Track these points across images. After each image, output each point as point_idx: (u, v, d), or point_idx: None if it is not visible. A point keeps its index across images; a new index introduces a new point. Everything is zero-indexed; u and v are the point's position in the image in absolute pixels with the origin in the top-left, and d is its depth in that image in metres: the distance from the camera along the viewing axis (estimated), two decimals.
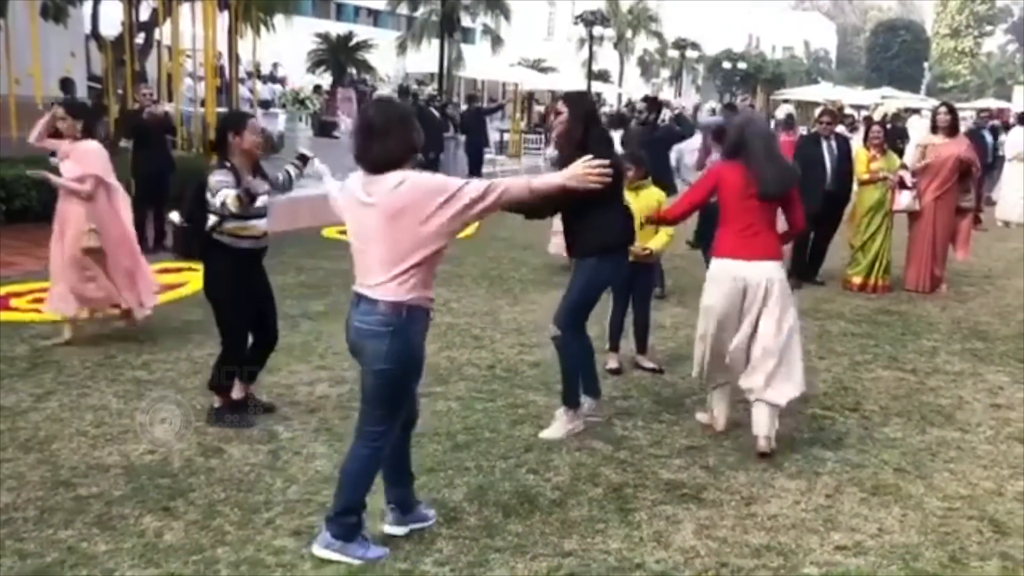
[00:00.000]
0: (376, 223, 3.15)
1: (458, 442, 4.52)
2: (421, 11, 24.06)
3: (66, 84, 12.71)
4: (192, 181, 4.58)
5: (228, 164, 4.46)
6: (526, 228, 9.42)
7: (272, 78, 23.31)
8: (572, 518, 3.74)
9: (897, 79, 56.61)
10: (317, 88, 21.17)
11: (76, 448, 4.34)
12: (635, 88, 38.98)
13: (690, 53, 35.25)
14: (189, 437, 4.49)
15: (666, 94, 41.08)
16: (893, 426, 4.93)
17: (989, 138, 15.19)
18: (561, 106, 4.80)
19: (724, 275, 4.46)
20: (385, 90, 30.21)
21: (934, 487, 4.13)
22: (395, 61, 29.23)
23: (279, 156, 17.11)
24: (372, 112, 3.33)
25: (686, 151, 9.56)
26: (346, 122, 19.10)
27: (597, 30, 32.86)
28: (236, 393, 4.77)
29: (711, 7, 48.04)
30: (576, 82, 35.07)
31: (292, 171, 4.92)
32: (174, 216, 4.61)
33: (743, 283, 4.39)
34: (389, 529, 3.56)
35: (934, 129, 8.96)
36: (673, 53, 34.95)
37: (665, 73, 41.45)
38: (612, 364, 5.81)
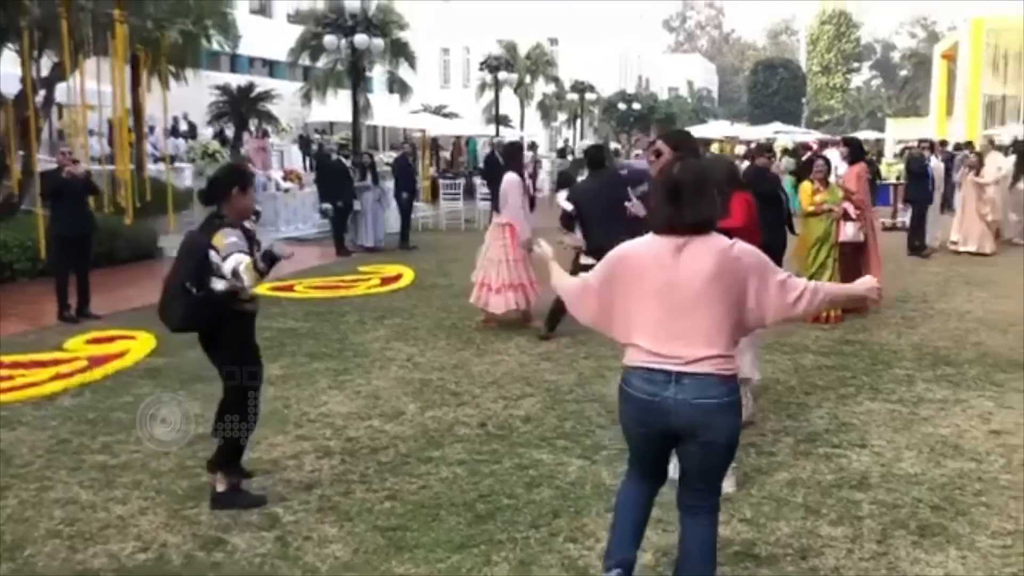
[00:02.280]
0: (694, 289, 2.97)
1: (479, 512, 4.19)
2: (324, 61, 23.67)
3: None
4: (192, 241, 4.13)
5: (235, 223, 4.07)
6: (465, 274, 9.17)
7: (175, 131, 22.45)
8: None
9: (778, 114, 59.10)
10: (224, 140, 20.46)
11: (53, 552, 3.83)
12: (536, 132, 39.44)
13: (589, 96, 35.90)
14: (182, 529, 4.03)
15: (566, 135, 41.80)
16: (907, 460, 4.86)
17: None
18: (662, 146, 4.70)
19: None
20: (286, 140, 29.71)
21: (976, 523, 4.05)
22: (299, 111, 28.62)
23: (188, 212, 16.59)
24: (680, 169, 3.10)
25: None
26: (259, 175, 18.43)
27: (499, 75, 33.18)
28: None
29: (602, 52, 49.29)
30: (479, 127, 35.29)
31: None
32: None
33: None
34: None
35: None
36: (573, 96, 35.52)
37: (563, 116, 42.06)
38: None
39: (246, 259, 3.91)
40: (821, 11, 79.11)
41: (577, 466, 4.79)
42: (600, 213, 7.85)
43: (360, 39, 17.37)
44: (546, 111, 39.80)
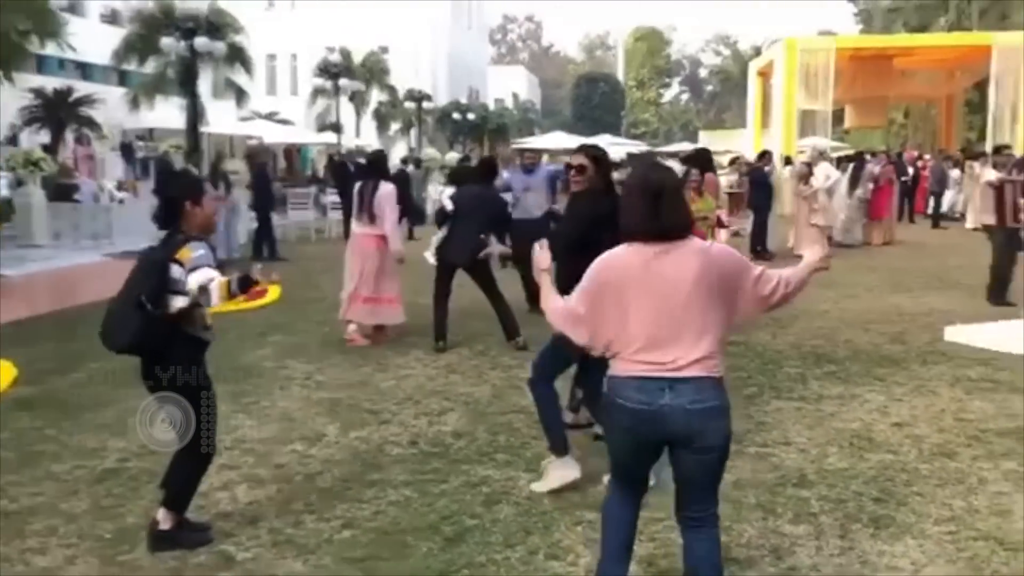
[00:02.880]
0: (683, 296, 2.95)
1: (447, 535, 4.03)
2: (153, 65, 22.33)
3: None
4: (150, 258, 3.75)
5: (198, 237, 3.72)
6: (337, 286, 8.84)
7: None
8: None
9: (600, 126, 61.23)
10: (47, 147, 18.89)
11: None
12: (371, 140, 38.92)
13: (427, 104, 35.81)
14: None
15: (399, 146, 41.49)
16: (833, 456, 5.10)
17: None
18: (586, 160, 4.71)
19: None
20: (104, 147, 27.84)
21: (918, 512, 4.29)
22: (119, 117, 26.88)
23: (11, 225, 15.21)
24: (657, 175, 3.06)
25: None
26: (89, 184, 17.14)
27: (322, 83, 32.49)
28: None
29: (433, 61, 49.34)
30: (311, 135, 34.47)
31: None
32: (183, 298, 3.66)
33: None
34: None
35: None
36: (410, 105, 35.31)
37: (396, 125, 41.74)
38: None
39: (218, 276, 3.58)
40: (634, 28, 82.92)
41: (526, 480, 4.71)
42: (469, 226, 7.85)
43: (201, 42, 16.53)
44: (382, 120, 39.35)
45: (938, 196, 19.68)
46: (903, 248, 15.87)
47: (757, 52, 72.75)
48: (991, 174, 10.98)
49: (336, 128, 27.55)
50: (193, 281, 3.58)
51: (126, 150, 29.28)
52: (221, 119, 27.18)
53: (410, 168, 19.75)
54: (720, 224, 9.27)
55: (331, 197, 18.73)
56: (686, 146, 48.59)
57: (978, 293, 10.30)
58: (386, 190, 8.13)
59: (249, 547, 3.93)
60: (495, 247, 7.39)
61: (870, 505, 4.37)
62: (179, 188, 3.89)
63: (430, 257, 7.93)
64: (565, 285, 4.51)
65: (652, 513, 4.24)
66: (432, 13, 48.95)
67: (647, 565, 3.75)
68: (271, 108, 36.42)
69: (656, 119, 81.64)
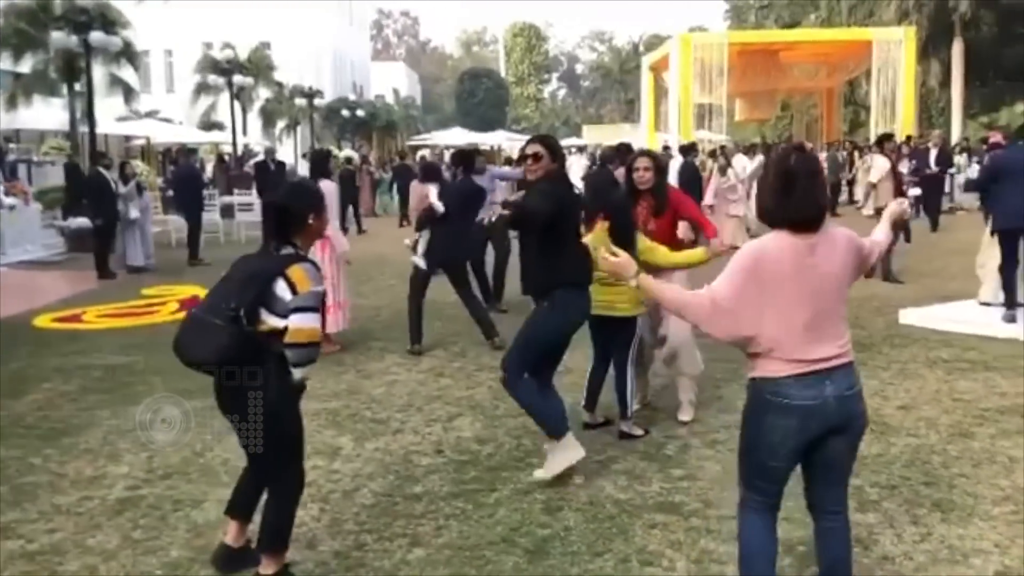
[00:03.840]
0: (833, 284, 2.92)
1: (525, 547, 3.86)
2: (31, 61, 20.86)
3: None
4: (256, 266, 3.37)
5: (309, 259, 3.41)
6: None
7: None
8: None
9: (485, 122, 61.29)
10: None
11: None
12: (256, 138, 37.67)
13: (317, 101, 34.82)
14: None
15: (285, 144, 40.30)
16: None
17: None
18: (541, 149, 4.62)
19: None
20: None
21: (972, 494, 4.39)
22: (7, 118, 24.95)
23: None
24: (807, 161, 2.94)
25: None
26: None
27: (214, 79, 31.24)
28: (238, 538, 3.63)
29: (318, 58, 48.15)
30: (198, 134, 33.05)
31: None
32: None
33: None
34: None
35: None
36: (300, 101, 34.27)
37: (282, 123, 40.53)
38: (586, 419, 5.48)
39: (318, 328, 3.30)
40: (513, 24, 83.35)
41: (576, 484, 4.57)
42: (458, 224, 7.70)
43: (97, 36, 15.50)
44: (268, 117, 38.13)
45: (835, 186, 20.52)
46: None
47: (635, 48, 74.83)
48: (881, 163, 11.58)
49: (223, 127, 26.37)
50: (299, 322, 3.23)
51: None
52: (102, 119, 25.69)
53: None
54: None
55: (240, 198, 18.00)
56: (574, 141, 49.35)
57: (902, 276, 10.83)
58: (327, 188, 7.81)
59: (323, 574, 3.65)
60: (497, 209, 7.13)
61: (924, 489, 4.43)
62: (307, 198, 3.50)
63: (419, 261, 7.63)
64: (535, 271, 4.57)
65: (723, 511, 4.20)
66: (312, 8, 47.75)
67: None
68: (148, 107, 34.74)
69: (537, 114, 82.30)
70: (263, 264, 3.35)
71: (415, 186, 8.69)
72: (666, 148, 21.09)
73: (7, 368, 7.28)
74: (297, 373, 3.33)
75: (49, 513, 4.29)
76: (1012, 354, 7.13)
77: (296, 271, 3.26)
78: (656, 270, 5.45)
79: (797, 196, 2.86)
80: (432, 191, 7.67)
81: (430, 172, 8.36)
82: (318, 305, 3.31)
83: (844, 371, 2.91)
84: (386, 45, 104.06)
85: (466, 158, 8.35)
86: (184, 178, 14.33)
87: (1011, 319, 7.94)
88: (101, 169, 12.67)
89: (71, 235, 15.13)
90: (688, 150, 14.91)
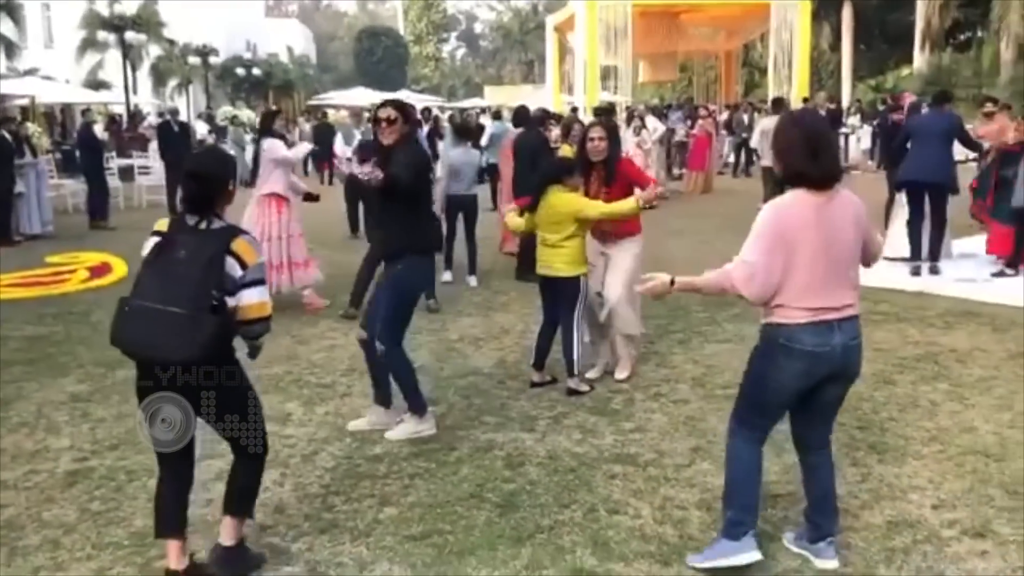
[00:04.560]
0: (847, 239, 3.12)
1: (495, 502, 3.95)
2: None
3: None
4: (207, 245, 3.11)
5: (242, 228, 3.31)
6: None
7: None
8: None
9: (385, 82, 60.22)
10: None
11: None
12: (146, 97, 36.12)
13: (212, 60, 33.51)
14: None
15: (177, 103, 38.78)
16: None
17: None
18: (394, 112, 4.66)
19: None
20: None
21: (902, 435, 4.70)
22: None
23: None
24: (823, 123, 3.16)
25: None
26: None
27: (103, 35, 29.82)
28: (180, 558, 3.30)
29: (208, 13, 46.27)
30: (86, 94, 31.44)
31: None
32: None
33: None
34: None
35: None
36: (194, 60, 32.91)
37: (174, 81, 38.95)
38: (535, 378, 5.59)
39: (268, 300, 3.21)
40: None
41: (531, 440, 4.69)
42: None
43: None
44: (159, 76, 36.58)
45: (740, 145, 21.08)
46: (719, 196, 16.93)
47: (534, 9, 74.58)
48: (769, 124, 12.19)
49: (111, 86, 25.15)
50: (252, 296, 3.12)
51: None
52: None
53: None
54: None
55: (140, 161, 17.32)
56: (478, 102, 49.07)
57: None
58: (271, 144, 7.75)
59: (296, 537, 3.66)
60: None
61: (858, 434, 4.72)
62: (229, 164, 3.34)
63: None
64: (391, 235, 4.66)
65: (677, 460, 4.39)
66: None
67: (706, 510, 3.85)
68: (26, 64, 32.82)
69: (437, 74, 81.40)
70: (210, 245, 3.11)
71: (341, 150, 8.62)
72: (574, 110, 21.25)
73: None
74: (255, 346, 3.31)
75: None
76: (919, 305, 7.58)
77: (241, 244, 3.12)
78: (597, 229, 5.60)
79: (823, 156, 3.08)
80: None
81: (365, 152, 8.36)
82: (265, 276, 3.23)
83: (851, 322, 3.18)
84: (278, 1, 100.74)
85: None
86: (86, 140, 13.69)
87: (916, 271, 8.42)
88: (4, 132, 11.98)
89: None
90: (606, 112, 14.98)
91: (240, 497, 3.36)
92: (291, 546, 3.59)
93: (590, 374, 5.70)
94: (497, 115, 18.54)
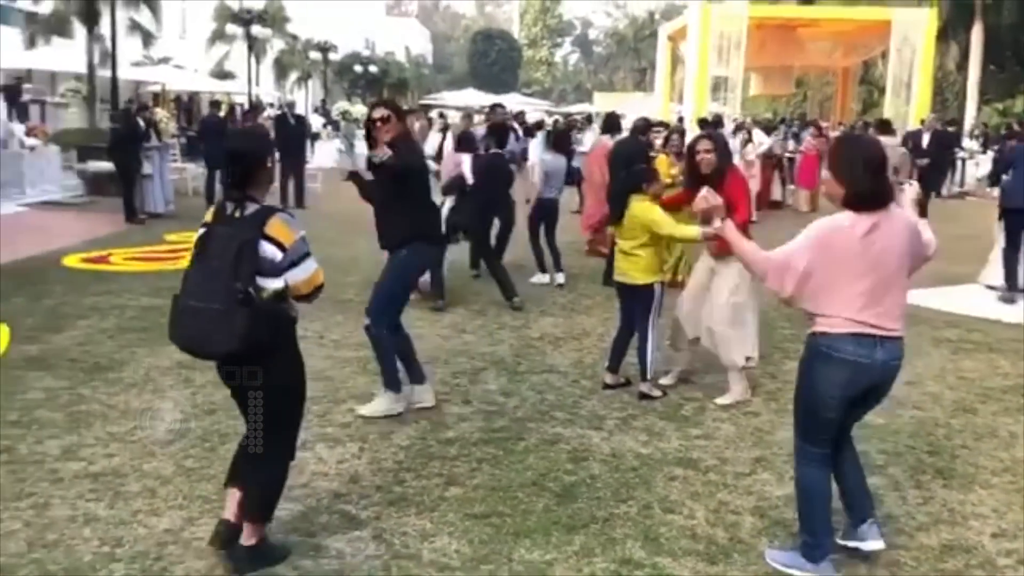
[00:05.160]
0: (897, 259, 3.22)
1: (554, 491, 4.13)
2: (52, 3, 20.88)
3: None
4: (235, 236, 3.13)
5: (279, 207, 3.42)
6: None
7: None
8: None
9: (496, 84, 61.12)
10: None
11: None
12: (267, 90, 37.61)
13: (332, 56, 34.75)
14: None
15: (296, 96, 40.26)
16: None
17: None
18: (388, 112, 4.92)
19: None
20: None
21: (973, 464, 4.67)
22: (20, 57, 24.90)
23: None
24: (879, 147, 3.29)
25: None
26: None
27: (232, 28, 31.24)
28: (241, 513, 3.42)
29: (332, 11, 47.86)
30: (206, 83, 32.97)
31: None
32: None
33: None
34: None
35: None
36: (315, 55, 34.19)
37: (294, 75, 40.47)
38: (608, 380, 5.74)
39: (318, 271, 3.28)
40: None
41: (598, 438, 4.84)
42: (482, 196, 8.02)
43: None
44: (282, 69, 38.08)
45: None
46: (826, 214, 16.63)
47: (651, 16, 74.15)
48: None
49: (235, 76, 26.32)
50: (302, 273, 3.20)
51: (9, 93, 27.32)
52: (126, 63, 25.70)
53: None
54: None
55: None
56: (584, 107, 49.22)
57: None
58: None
59: (366, 506, 3.92)
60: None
61: (927, 458, 4.70)
62: (258, 143, 3.40)
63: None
64: (396, 224, 4.95)
65: (738, 468, 4.48)
66: None
67: (759, 517, 3.94)
68: (161, 53, 34.64)
69: (549, 78, 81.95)
70: (240, 234, 3.13)
71: (449, 153, 8.91)
72: (680, 120, 21.20)
73: (43, 304, 7.53)
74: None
75: (105, 440, 4.56)
76: (1014, 337, 7.38)
77: (275, 225, 3.15)
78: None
79: (881, 179, 3.22)
80: (466, 161, 7.98)
81: (465, 142, 8.62)
82: (309, 249, 3.24)
83: (895, 343, 3.28)
84: (399, 1, 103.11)
85: (500, 131, 8.58)
86: (212, 128, 14.51)
87: (1009, 300, 8.20)
88: (139, 118, 12.89)
89: (90, 178, 15.32)
90: (712, 124, 14.96)
91: (261, 501, 3.37)
92: (361, 513, 3.85)
93: (664, 380, 5.80)
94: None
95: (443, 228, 7.97)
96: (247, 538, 3.34)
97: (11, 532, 3.58)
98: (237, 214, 3.20)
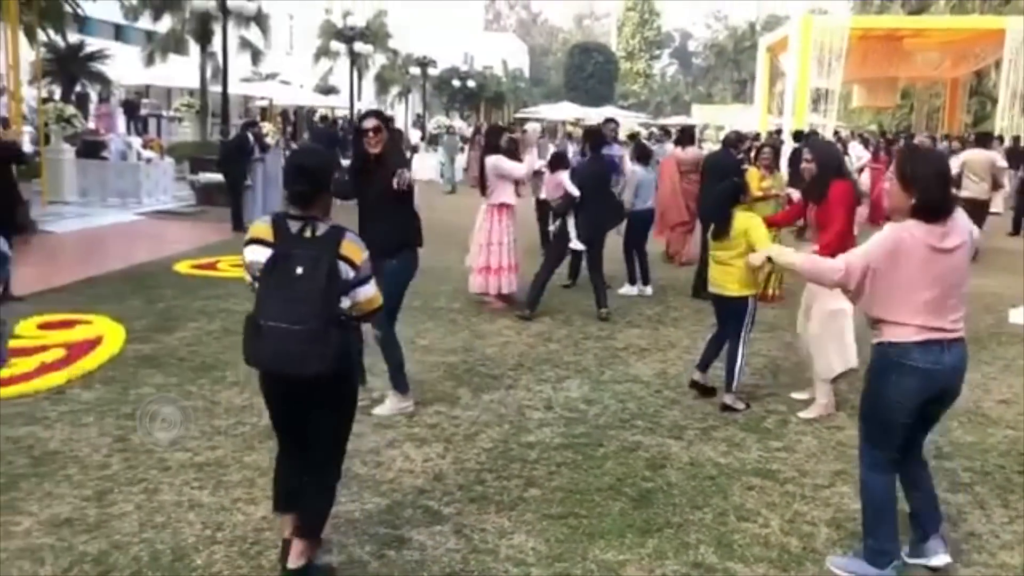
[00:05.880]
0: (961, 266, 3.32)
1: (631, 496, 4.22)
2: (170, 22, 22.08)
3: None
4: (318, 256, 3.10)
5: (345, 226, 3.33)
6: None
7: None
8: None
9: (593, 97, 61.16)
10: (77, 101, 18.62)
11: (230, 561, 3.51)
12: (369, 104, 38.62)
13: (431, 71, 35.57)
14: (347, 528, 3.79)
15: (396, 110, 41.27)
16: (958, 431, 5.34)
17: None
18: (378, 122, 5.13)
19: None
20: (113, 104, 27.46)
21: None
22: (123, 73, 26.44)
23: (36, 181, 15.03)
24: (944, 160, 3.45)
25: None
26: (117, 142, 17.00)
27: (336, 45, 32.22)
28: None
29: (430, 26, 48.91)
30: (311, 98, 34.13)
31: None
32: None
33: None
34: None
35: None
36: (415, 70, 35.06)
37: (395, 90, 41.49)
38: (696, 377, 5.86)
39: (378, 292, 3.33)
40: None
41: (677, 447, 4.91)
42: (592, 205, 8.19)
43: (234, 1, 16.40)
44: (384, 84, 39.09)
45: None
46: None
47: (751, 28, 73.06)
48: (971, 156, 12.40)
49: (339, 91, 27.22)
50: (365, 293, 3.25)
51: (129, 107, 28.91)
52: (236, 79, 26.92)
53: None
54: (790, 201, 9.46)
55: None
56: (682, 119, 48.88)
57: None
58: (493, 159, 8.25)
59: (448, 502, 4.10)
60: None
61: (1017, 478, 4.61)
62: (326, 160, 3.36)
63: (577, 245, 8.21)
64: (388, 231, 5.03)
65: (817, 480, 4.48)
66: None
67: (835, 528, 3.96)
68: (269, 68, 36.07)
69: (646, 90, 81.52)
70: (323, 253, 3.11)
71: (548, 177, 9.08)
72: (778, 132, 20.90)
73: (156, 307, 8.00)
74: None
75: (209, 433, 4.88)
76: None
77: (348, 246, 3.16)
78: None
79: (948, 191, 3.30)
80: (564, 178, 8.20)
81: (558, 161, 8.83)
82: (371, 271, 3.28)
83: (959, 345, 3.36)
84: (497, 16, 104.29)
85: (595, 137, 8.72)
86: (324, 141, 15.12)
87: None
88: (248, 133, 13.57)
89: (201, 189, 16.09)
90: (807, 138, 14.70)
91: (321, 520, 3.39)
92: (443, 509, 4.03)
93: (796, 394, 5.82)
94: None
95: (572, 246, 8.27)
96: (295, 559, 3.30)
97: (124, 514, 3.89)
98: (308, 233, 3.15)
